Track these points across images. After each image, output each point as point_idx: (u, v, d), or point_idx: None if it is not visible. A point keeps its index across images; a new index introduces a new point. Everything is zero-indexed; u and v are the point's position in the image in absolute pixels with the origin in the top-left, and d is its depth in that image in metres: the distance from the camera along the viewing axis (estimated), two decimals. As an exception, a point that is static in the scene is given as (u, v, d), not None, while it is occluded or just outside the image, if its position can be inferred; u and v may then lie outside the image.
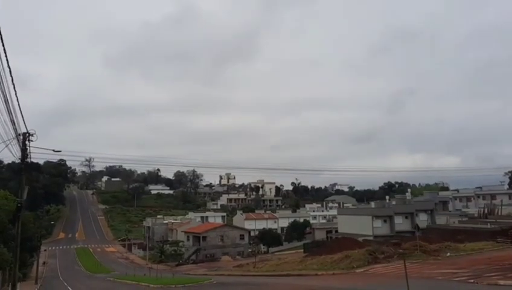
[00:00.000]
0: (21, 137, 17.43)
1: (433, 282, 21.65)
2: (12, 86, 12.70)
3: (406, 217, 67.65)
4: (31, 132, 17.47)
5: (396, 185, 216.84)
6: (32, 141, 17.67)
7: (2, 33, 9.24)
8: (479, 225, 47.22)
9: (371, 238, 61.13)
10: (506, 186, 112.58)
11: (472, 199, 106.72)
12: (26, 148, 17.75)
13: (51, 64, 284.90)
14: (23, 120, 16.73)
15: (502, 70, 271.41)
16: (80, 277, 58.47)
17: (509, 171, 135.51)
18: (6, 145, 15.79)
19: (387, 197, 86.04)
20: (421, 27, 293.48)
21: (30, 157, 18.56)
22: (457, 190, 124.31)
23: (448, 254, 32.33)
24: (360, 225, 66.58)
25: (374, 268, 29.27)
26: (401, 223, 66.65)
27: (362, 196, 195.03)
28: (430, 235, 47.08)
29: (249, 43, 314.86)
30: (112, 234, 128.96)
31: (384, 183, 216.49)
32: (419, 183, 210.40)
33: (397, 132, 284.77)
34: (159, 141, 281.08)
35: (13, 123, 15.00)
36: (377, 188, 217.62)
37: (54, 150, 20.28)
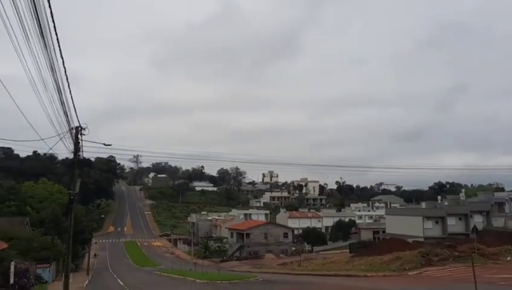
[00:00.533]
0: (74, 131, 17.77)
1: (495, 287, 20.19)
2: (66, 78, 12.73)
3: (460, 219, 64.57)
4: (83, 125, 17.78)
5: (448, 186, 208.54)
6: (84, 134, 17.99)
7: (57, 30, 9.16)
8: (542, 229, 44.06)
9: (422, 240, 58.77)
10: None
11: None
12: (79, 142, 18.08)
13: (102, 65, 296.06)
14: (76, 114, 16.99)
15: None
16: (129, 269, 59.99)
17: None
18: (61, 138, 16.09)
19: (439, 197, 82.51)
20: (473, 19, 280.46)
21: (82, 151, 18.92)
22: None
23: (509, 258, 30.27)
24: (410, 225, 64.11)
25: (428, 271, 27.85)
26: (454, 225, 63.68)
27: (410, 196, 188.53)
28: (486, 238, 44.52)
29: (292, 41, 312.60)
30: (158, 229, 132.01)
31: (435, 183, 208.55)
32: (472, 184, 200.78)
33: (447, 130, 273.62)
34: (203, 139, 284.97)
35: (66, 115, 15.20)
36: (426, 188, 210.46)
37: (104, 144, 20.62)
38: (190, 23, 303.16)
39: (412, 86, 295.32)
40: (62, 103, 14.87)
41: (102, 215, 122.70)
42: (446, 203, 71.79)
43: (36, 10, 8.09)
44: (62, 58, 10.97)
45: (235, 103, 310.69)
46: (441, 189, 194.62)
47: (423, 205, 72.80)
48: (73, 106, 15.05)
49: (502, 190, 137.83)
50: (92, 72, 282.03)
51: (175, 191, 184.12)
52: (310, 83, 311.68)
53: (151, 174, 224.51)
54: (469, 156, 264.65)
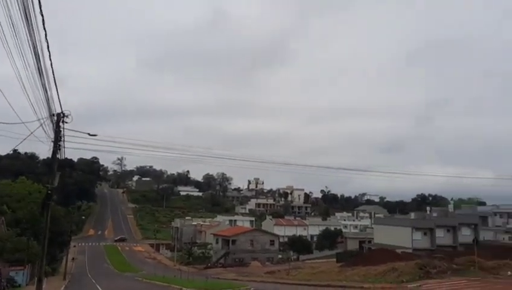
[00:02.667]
0: (55, 118, 15.97)
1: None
2: (48, 55, 11.02)
3: (448, 231, 63.82)
4: (65, 112, 15.97)
5: (430, 198, 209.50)
6: (66, 122, 16.19)
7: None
8: (536, 243, 43.28)
9: (410, 251, 57.77)
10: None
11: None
12: (60, 130, 16.28)
13: (87, 65, 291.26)
14: (59, 100, 15.25)
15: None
16: (108, 274, 57.60)
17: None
18: (41, 124, 14.28)
19: (428, 208, 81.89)
20: (456, 36, 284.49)
21: (64, 140, 17.10)
22: (497, 206, 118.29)
23: (510, 273, 29.12)
24: (398, 236, 63.05)
25: (427, 284, 26.47)
26: (442, 237, 62.84)
27: (393, 207, 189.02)
28: (479, 251, 43.62)
29: (280, 49, 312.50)
30: (140, 234, 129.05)
31: (417, 195, 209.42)
32: (452, 198, 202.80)
33: (429, 143, 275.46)
34: (190, 143, 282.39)
35: (47, 101, 13.44)
36: (409, 200, 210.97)
37: (89, 134, 18.79)
38: (180, 27, 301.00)
39: (396, 98, 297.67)
40: (44, 90, 13.17)
41: (83, 217, 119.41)
42: (435, 214, 71.05)
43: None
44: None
45: (223, 108, 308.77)
46: (423, 201, 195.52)
47: (412, 215, 71.92)
48: (56, 88, 13.30)
49: (484, 204, 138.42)
50: (78, 72, 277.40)
51: (159, 195, 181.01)
52: (299, 91, 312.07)
53: (135, 177, 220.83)
54: (450, 169, 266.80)
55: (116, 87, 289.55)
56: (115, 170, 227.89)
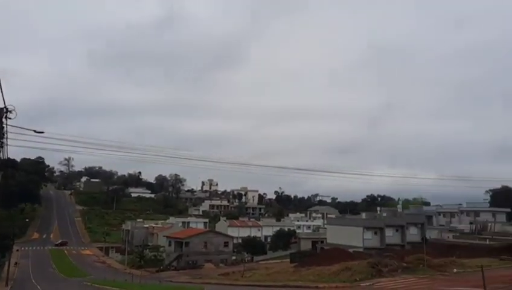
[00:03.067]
0: (-3, 113, 14.75)
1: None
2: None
3: (397, 230, 65.94)
4: (9, 107, 14.80)
5: (379, 198, 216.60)
6: (10, 118, 15.02)
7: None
8: (477, 241, 45.62)
9: (361, 250, 59.18)
10: (488, 204, 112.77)
11: (456, 215, 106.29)
12: (3, 127, 15.09)
13: (32, 61, 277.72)
14: (2, 94, 14.15)
15: (478, 90, 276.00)
16: (54, 280, 55.02)
17: (490, 190, 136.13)
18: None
19: (378, 208, 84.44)
20: (405, 42, 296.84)
21: (7, 138, 15.87)
22: (440, 205, 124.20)
23: (455, 270, 30.38)
24: (350, 236, 64.53)
25: (380, 282, 27.09)
26: (391, 236, 64.88)
27: (345, 208, 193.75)
28: (426, 250, 45.36)
29: (236, 50, 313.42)
30: (88, 237, 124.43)
31: (367, 196, 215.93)
32: (399, 198, 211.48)
33: (378, 146, 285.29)
34: (142, 143, 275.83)
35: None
36: (359, 200, 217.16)
37: (35, 131, 17.60)
38: (133, 24, 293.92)
39: (348, 102, 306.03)
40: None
41: (27, 220, 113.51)
42: (384, 214, 73.36)
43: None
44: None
45: (178, 108, 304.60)
46: (373, 201, 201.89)
47: (363, 215, 73.91)
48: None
49: (428, 204, 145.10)
50: (24, 68, 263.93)
51: (109, 197, 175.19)
52: (254, 92, 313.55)
53: (84, 179, 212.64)
54: (397, 171, 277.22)
55: (64, 85, 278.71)
56: (61, 171, 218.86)
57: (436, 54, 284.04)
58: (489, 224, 64.64)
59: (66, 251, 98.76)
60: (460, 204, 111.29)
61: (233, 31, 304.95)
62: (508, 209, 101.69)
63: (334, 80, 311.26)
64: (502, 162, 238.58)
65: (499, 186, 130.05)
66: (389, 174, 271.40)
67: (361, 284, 26.97)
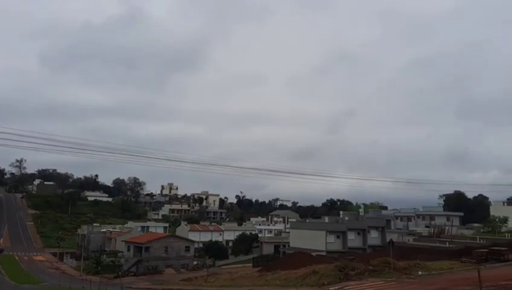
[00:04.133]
0: None
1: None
2: None
3: (358, 234, 66.79)
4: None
5: (338, 203, 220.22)
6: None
7: None
8: (438, 244, 46.76)
9: (324, 253, 59.49)
10: (442, 209, 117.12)
11: (412, 218, 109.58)
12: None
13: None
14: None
15: (432, 98, 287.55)
16: (3, 286, 51.71)
17: (444, 195, 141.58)
18: None
19: (341, 212, 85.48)
20: (362, 51, 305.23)
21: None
22: (397, 210, 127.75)
23: (420, 272, 30.76)
24: (313, 239, 64.72)
25: (348, 286, 26.93)
26: (353, 239, 65.64)
27: (305, 212, 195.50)
28: (387, 253, 46.02)
29: (198, 53, 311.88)
30: (41, 242, 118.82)
31: (327, 200, 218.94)
32: (357, 202, 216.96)
33: (337, 151, 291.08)
34: (99, 146, 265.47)
35: None
36: (319, 205, 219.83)
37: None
38: (89, 23, 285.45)
39: (308, 108, 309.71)
40: None
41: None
42: (346, 218, 74.30)
43: None
44: None
45: (136, 110, 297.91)
46: (332, 206, 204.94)
47: (326, 219, 74.49)
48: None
49: (386, 208, 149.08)
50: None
51: (64, 200, 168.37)
52: (214, 96, 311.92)
53: (37, 181, 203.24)
54: (355, 176, 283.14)
55: (17, 85, 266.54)
56: (12, 173, 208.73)
57: (393, 64, 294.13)
58: (447, 227, 66.73)
59: (17, 257, 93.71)
60: (415, 208, 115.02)
61: (193, 34, 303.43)
62: (461, 213, 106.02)
63: (294, 86, 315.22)
64: (453, 168, 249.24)
65: (451, 190, 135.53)
66: (349, 177, 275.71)
67: (330, 288, 26.74)
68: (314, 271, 32.46)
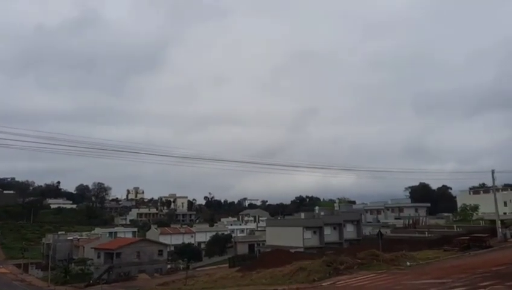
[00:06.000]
0: None
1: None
2: None
3: (335, 228, 66.89)
4: None
5: (307, 199, 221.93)
6: None
7: None
8: (417, 235, 47.15)
9: (301, 250, 59.08)
10: (409, 200, 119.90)
11: (382, 211, 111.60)
12: None
13: None
14: None
15: (390, 94, 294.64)
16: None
17: (409, 187, 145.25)
18: None
19: (316, 208, 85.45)
20: (322, 50, 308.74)
21: None
22: (366, 203, 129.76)
23: (408, 263, 30.60)
24: (290, 236, 64.23)
25: (340, 280, 26.30)
26: (329, 234, 65.66)
27: (275, 210, 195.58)
28: (366, 245, 46.00)
29: (157, 55, 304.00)
30: (3, 253, 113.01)
31: (296, 198, 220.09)
32: (323, 198, 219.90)
33: (301, 149, 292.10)
34: (57, 152, 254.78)
35: None
36: (288, 202, 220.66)
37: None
38: (42, 26, 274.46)
39: (270, 107, 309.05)
40: None
41: None
42: (322, 213, 74.20)
43: None
44: None
45: (96, 114, 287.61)
46: (301, 203, 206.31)
47: (302, 215, 74.16)
48: None
49: (354, 202, 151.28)
50: None
51: (25, 209, 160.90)
52: (176, 98, 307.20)
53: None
54: (318, 173, 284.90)
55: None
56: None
57: (352, 60, 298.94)
58: (421, 218, 67.80)
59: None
60: (384, 201, 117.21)
61: (152, 36, 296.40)
62: (428, 204, 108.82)
63: (256, 86, 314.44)
64: (414, 161, 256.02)
65: (414, 183, 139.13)
66: (312, 176, 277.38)
67: (322, 284, 25.98)
68: (301, 268, 31.69)
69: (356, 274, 27.89)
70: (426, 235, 45.50)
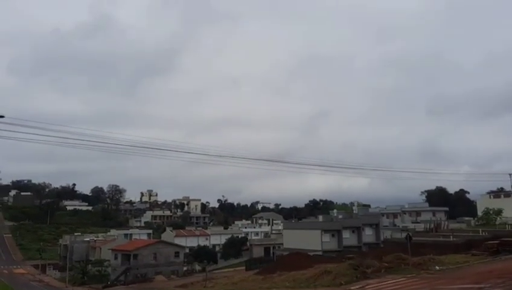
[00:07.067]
0: None
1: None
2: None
3: (353, 232, 65.96)
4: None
5: (321, 203, 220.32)
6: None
7: None
8: (442, 239, 46.10)
9: (320, 253, 58.41)
10: (427, 204, 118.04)
11: (398, 215, 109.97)
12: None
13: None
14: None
15: (404, 97, 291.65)
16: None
17: (426, 191, 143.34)
18: None
19: (334, 211, 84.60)
20: (335, 54, 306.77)
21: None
22: (382, 207, 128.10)
23: (437, 267, 29.74)
24: (308, 239, 63.42)
25: (369, 284, 25.54)
26: (348, 238, 64.73)
27: (289, 213, 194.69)
28: (388, 249, 45.07)
29: (171, 58, 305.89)
30: (21, 254, 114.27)
31: (310, 201, 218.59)
32: (336, 202, 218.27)
33: (313, 153, 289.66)
34: (74, 155, 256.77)
35: None
36: (302, 205, 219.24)
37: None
38: (58, 30, 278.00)
39: (284, 110, 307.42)
40: None
41: None
42: (340, 216, 73.37)
43: None
44: None
45: (111, 117, 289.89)
46: (315, 206, 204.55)
47: (320, 218, 73.44)
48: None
49: (369, 206, 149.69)
50: None
51: (42, 210, 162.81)
52: (189, 101, 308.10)
53: (12, 192, 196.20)
54: (331, 176, 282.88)
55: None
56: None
57: (365, 63, 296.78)
58: (443, 222, 66.53)
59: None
60: (401, 205, 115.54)
61: (166, 40, 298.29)
62: (447, 208, 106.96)
63: (268, 89, 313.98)
64: (428, 164, 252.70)
65: (430, 187, 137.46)
66: (325, 178, 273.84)
67: (351, 288, 25.30)
68: (326, 271, 31.05)
69: (384, 278, 27.14)
70: (451, 239, 44.39)
